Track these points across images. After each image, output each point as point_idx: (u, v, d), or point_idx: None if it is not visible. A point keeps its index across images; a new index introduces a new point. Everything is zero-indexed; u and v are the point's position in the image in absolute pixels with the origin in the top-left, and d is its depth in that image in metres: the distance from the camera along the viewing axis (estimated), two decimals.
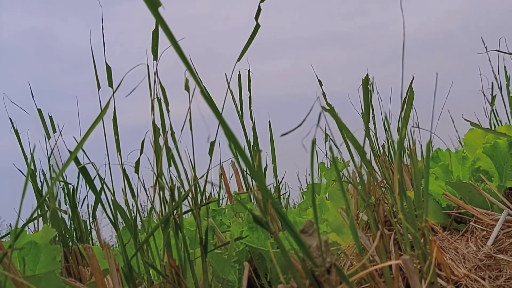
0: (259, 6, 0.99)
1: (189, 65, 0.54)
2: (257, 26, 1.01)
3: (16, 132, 1.63)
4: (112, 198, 1.16)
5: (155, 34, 1.08)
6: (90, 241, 1.79)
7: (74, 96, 1.56)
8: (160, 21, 0.51)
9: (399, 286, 1.02)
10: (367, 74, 1.26)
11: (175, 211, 1.10)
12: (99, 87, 1.14)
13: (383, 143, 1.79)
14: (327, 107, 1.02)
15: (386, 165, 1.50)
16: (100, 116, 0.73)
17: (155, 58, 1.10)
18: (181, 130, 1.11)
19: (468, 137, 2.07)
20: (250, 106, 2.09)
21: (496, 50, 1.94)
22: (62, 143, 1.52)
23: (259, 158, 0.87)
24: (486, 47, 2.17)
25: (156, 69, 1.11)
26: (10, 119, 1.62)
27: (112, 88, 1.14)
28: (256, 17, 1.00)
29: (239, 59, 1.06)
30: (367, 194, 1.11)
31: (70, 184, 1.66)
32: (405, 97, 1.06)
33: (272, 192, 2.18)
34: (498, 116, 2.56)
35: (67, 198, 1.67)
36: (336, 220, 1.59)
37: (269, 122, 2.15)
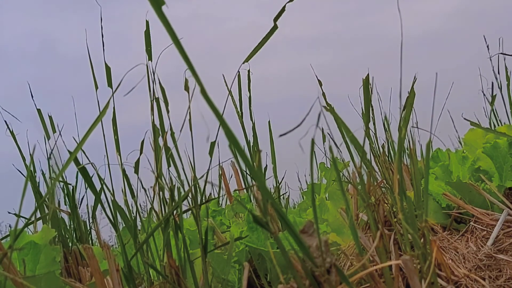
0: (283, 7, 0.97)
1: (190, 63, 0.54)
2: (275, 27, 0.99)
3: (12, 133, 1.63)
4: (112, 198, 1.15)
5: (147, 35, 1.12)
6: (90, 242, 1.79)
7: (74, 96, 1.56)
8: (163, 19, 0.52)
9: (399, 286, 1.02)
10: (368, 74, 1.26)
11: (174, 211, 1.10)
12: (96, 87, 1.14)
13: (383, 143, 1.79)
14: (328, 107, 1.02)
15: (386, 165, 1.50)
16: (99, 117, 0.73)
17: (150, 58, 1.12)
18: (180, 130, 1.11)
19: (468, 137, 2.07)
20: (250, 106, 2.09)
21: (501, 53, 1.93)
22: (62, 144, 1.52)
23: (259, 158, 0.87)
24: (487, 46, 2.17)
25: (154, 69, 1.12)
26: (6, 121, 1.62)
27: (112, 88, 1.14)
28: (276, 19, 0.99)
29: (247, 60, 1.05)
30: (367, 194, 1.11)
31: (70, 184, 1.66)
32: (408, 97, 1.06)
33: (272, 192, 2.18)
34: (498, 116, 2.56)
35: (66, 198, 1.67)
36: (336, 220, 1.59)
37: (269, 122, 2.15)
